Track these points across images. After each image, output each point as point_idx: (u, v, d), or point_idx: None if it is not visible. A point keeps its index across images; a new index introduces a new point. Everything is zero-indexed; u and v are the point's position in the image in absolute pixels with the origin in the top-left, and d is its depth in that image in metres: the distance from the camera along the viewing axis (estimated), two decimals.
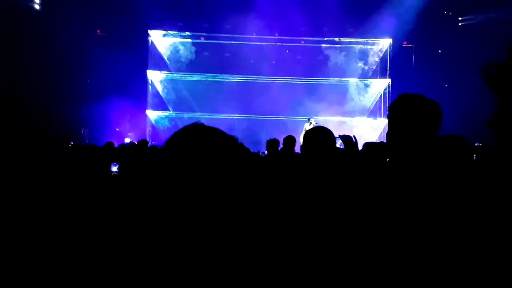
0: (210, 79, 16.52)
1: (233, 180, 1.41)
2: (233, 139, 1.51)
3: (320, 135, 2.71)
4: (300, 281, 1.88)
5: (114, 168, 4.79)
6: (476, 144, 7.08)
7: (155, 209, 1.33)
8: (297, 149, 6.78)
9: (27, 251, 1.71)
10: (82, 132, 15.45)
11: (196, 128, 1.54)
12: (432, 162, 1.83)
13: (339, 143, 3.06)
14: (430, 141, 1.88)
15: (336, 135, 2.77)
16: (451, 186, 1.69)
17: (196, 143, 1.46)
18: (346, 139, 3.09)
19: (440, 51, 16.55)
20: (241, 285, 1.36)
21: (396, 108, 1.96)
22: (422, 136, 1.87)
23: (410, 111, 1.90)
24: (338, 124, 15.88)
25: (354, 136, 3.18)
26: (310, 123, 13.46)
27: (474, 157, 4.34)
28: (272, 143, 6.76)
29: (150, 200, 1.36)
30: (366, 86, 17.23)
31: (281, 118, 16.26)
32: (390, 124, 1.98)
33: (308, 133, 2.79)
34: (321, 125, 2.95)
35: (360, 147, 3.86)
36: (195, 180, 1.38)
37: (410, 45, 16.77)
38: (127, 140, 14.80)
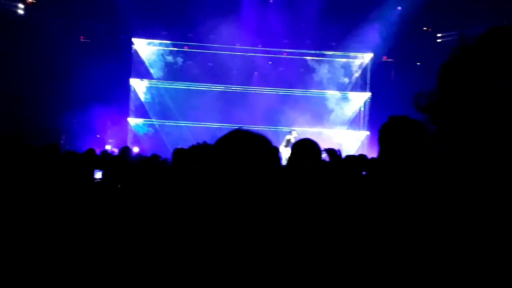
0: (193, 88, 16.55)
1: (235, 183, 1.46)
2: (271, 150, 1.55)
3: (307, 147, 2.80)
4: None
5: (98, 174, 4.80)
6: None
7: (154, 206, 1.39)
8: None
9: (28, 251, 1.75)
10: (62, 139, 15.29)
11: (238, 133, 1.58)
12: (419, 176, 1.92)
13: (324, 156, 3.16)
14: (420, 158, 1.98)
15: (322, 148, 2.86)
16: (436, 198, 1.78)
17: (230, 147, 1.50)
18: (332, 152, 3.18)
19: (419, 64, 16.89)
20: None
21: (387, 130, 2.08)
22: (413, 153, 1.98)
23: (401, 133, 2.02)
24: (318, 135, 16.05)
25: (339, 149, 3.28)
26: (292, 135, 13.59)
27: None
28: None
29: (149, 197, 1.42)
30: (347, 99, 17.48)
31: (262, 128, 16.34)
32: (381, 143, 2.10)
33: (296, 145, 2.88)
34: (307, 137, 3.04)
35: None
36: (194, 179, 1.43)
37: (390, 60, 17.10)
38: (108, 147, 14.73)
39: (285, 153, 10.21)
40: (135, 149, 15.16)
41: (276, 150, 1.55)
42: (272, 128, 16.29)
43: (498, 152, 1.03)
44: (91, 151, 7.95)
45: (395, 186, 1.92)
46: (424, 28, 16.64)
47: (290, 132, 13.92)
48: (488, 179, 1.09)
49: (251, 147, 1.52)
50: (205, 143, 2.86)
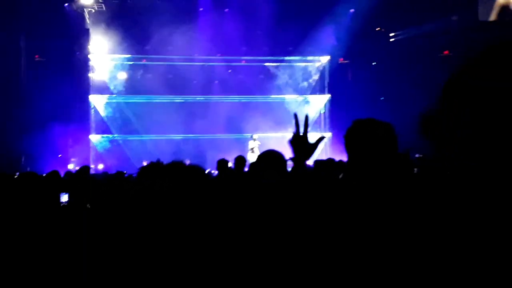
0: (154, 101, 16.46)
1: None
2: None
3: (271, 158, 2.82)
4: None
5: (64, 198, 4.73)
6: (416, 156, 7.37)
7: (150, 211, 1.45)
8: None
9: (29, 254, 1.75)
10: (22, 160, 14.92)
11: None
12: (390, 179, 1.96)
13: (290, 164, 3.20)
14: (389, 159, 2.00)
15: (287, 157, 2.89)
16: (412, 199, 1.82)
17: None
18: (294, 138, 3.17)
19: (374, 63, 17.32)
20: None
21: (353, 134, 2.05)
22: (382, 155, 1.98)
23: (368, 135, 2.00)
24: (282, 140, 16.20)
25: (297, 125, 3.24)
26: (254, 140, 13.74)
27: (415, 170, 4.51)
28: (222, 163, 6.90)
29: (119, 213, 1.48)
30: (307, 102, 17.74)
31: (226, 136, 16.40)
32: (349, 149, 2.05)
33: (259, 158, 2.90)
34: (269, 148, 3.07)
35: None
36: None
37: (346, 61, 17.47)
38: (70, 167, 14.47)
39: (252, 159, 10.34)
40: (100, 166, 14.96)
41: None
42: (235, 136, 16.38)
43: (498, 152, 1.04)
44: (55, 173, 7.81)
45: (370, 190, 1.94)
46: (377, 29, 17.06)
47: (251, 137, 14.06)
48: (480, 179, 1.13)
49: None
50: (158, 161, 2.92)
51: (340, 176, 4.60)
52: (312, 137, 2.38)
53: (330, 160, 6.37)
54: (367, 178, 1.97)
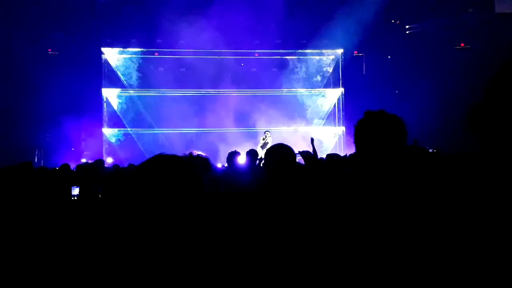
0: (166, 94, 16.43)
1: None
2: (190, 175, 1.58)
3: (280, 152, 2.78)
4: None
5: (76, 191, 4.70)
6: (429, 150, 7.25)
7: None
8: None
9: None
10: (36, 154, 15.02)
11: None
12: (401, 170, 1.92)
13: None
14: (399, 152, 1.98)
15: (296, 151, 2.84)
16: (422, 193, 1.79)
17: None
18: (306, 154, 3.17)
19: (389, 57, 17.10)
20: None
21: (365, 126, 2.05)
22: (392, 147, 1.98)
23: (378, 127, 2.00)
24: (295, 133, 16.15)
25: (314, 150, 3.27)
26: (265, 137, 13.66)
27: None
28: (232, 155, 6.78)
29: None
30: (321, 95, 17.59)
31: (239, 130, 16.34)
32: (358, 140, 2.06)
33: (268, 151, 2.86)
34: (282, 142, 3.03)
35: (320, 154, 3.95)
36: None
37: (360, 54, 17.26)
38: (83, 160, 14.51)
39: (262, 154, 10.25)
40: (109, 160, 15.00)
41: (196, 175, 1.58)
42: (249, 130, 16.31)
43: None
44: (66, 166, 7.81)
45: (378, 182, 1.93)
46: (392, 21, 16.83)
47: (264, 133, 13.98)
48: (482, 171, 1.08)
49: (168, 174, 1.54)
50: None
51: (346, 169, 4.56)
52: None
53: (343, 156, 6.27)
54: (373, 170, 1.97)
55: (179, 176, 1.51)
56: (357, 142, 2.06)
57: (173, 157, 1.58)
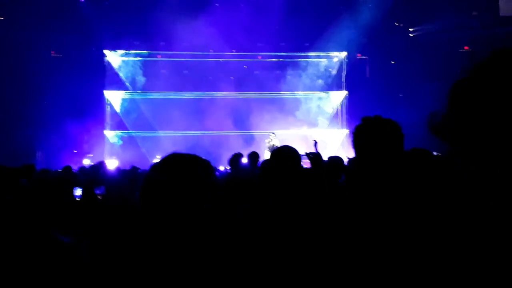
0: (169, 97, 16.40)
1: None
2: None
3: (285, 155, 2.72)
4: None
5: (78, 192, 4.63)
6: (434, 153, 7.16)
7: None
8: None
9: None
10: (37, 156, 15.00)
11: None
12: (401, 176, 1.91)
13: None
14: (397, 156, 1.98)
15: (302, 153, 2.77)
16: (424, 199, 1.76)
17: None
18: (313, 157, 3.10)
19: (393, 61, 17.06)
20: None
21: (360, 131, 2.06)
22: (389, 152, 1.98)
23: (374, 132, 2.02)
24: (299, 136, 16.09)
25: (318, 152, 3.20)
26: (271, 139, 13.59)
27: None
28: (234, 158, 6.70)
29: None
30: (325, 98, 17.54)
31: (242, 133, 16.29)
32: (356, 146, 2.08)
33: (274, 154, 2.80)
34: (286, 144, 2.97)
35: (324, 155, 3.91)
36: None
37: (364, 57, 17.21)
38: (86, 162, 14.47)
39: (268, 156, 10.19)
40: (112, 162, 14.96)
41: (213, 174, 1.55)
42: (252, 132, 16.27)
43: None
44: (68, 168, 7.77)
45: (377, 187, 1.93)
46: (396, 24, 16.78)
47: (269, 136, 13.92)
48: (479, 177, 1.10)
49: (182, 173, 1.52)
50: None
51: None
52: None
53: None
54: (371, 175, 1.99)
55: (202, 175, 1.49)
56: (355, 148, 2.09)
57: (191, 156, 1.55)
